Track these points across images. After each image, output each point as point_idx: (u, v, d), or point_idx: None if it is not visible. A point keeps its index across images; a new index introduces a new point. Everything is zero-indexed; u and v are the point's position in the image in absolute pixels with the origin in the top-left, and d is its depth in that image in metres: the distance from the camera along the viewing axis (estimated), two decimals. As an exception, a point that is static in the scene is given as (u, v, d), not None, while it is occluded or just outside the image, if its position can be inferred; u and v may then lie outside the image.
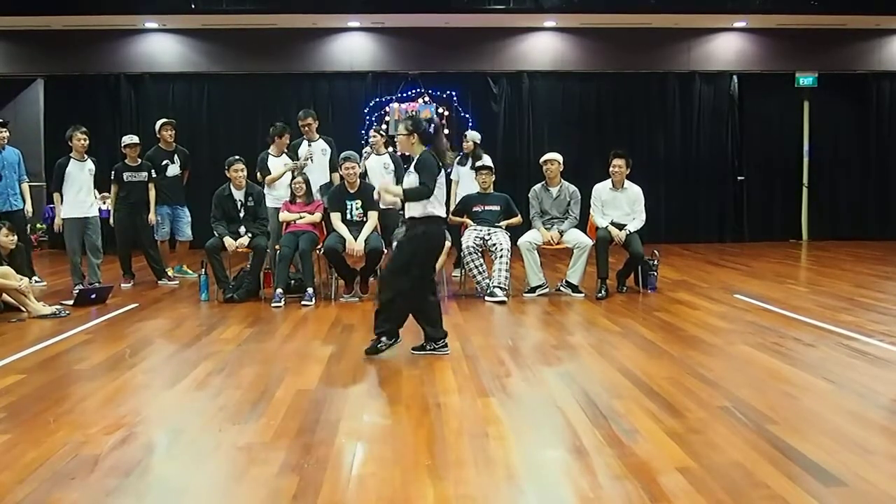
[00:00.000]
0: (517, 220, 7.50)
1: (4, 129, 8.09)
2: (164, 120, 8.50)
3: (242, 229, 7.21)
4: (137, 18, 11.28)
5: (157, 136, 8.45)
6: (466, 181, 8.10)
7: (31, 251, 8.60)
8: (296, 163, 7.73)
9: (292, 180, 7.39)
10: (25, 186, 8.18)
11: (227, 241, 7.11)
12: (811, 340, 5.30)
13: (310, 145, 7.96)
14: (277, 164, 7.87)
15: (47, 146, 11.41)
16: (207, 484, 3.04)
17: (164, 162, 8.32)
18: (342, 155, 7.33)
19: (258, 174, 7.86)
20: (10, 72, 11.77)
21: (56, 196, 7.57)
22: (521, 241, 7.31)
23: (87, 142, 7.65)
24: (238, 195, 7.32)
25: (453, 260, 8.05)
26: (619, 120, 12.24)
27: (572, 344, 5.32)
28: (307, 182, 7.42)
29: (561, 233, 7.31)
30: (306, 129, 7.99)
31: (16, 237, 6.91)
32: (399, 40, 11.87)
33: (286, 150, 7.95)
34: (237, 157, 7.40)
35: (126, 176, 8.05)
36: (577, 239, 7.25)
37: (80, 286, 7.34)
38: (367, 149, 8.27)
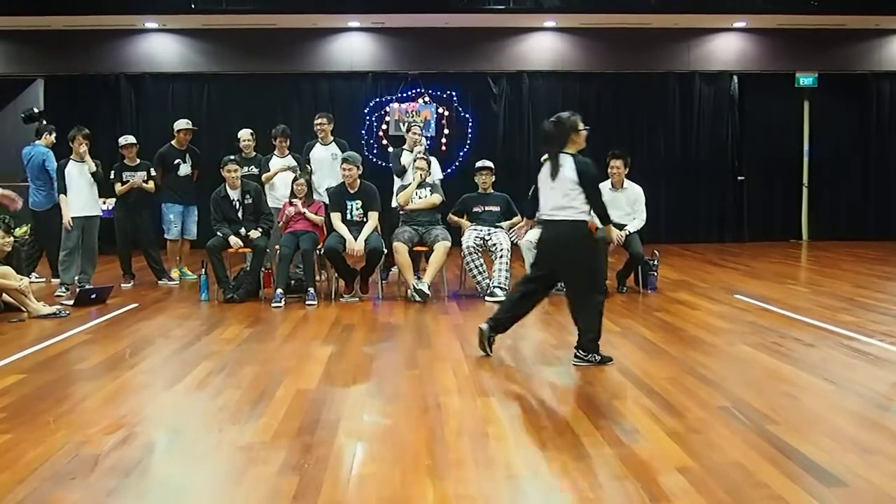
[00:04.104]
0: (517, 220, 7.48)
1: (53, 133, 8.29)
2: (188, 126, 8.37)
3: (243, 230, 7.17)
4: (137, 18, 11.28)
5: (174, 134, 8.41)
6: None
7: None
8: (295, 166, 7.70)
9: (294, 181, 7.37)
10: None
11: (233, 239, 7.07)
12: (811, 340, 5.30)
13: (311, 150, 7.95)
14: (280, 165, 7.85)
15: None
16: (207, 484, 3.04)
17: (176, 161, 8.29)
18: (342, 156, 7.33)
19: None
20: (10, 72, 11.76)
21: (62, 197, 7.54)
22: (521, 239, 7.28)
23: (88, 145, 7.65)
24: (234, 195, 7.28)
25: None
26: (619, 120, 12.22)
27: (572, 344, 5.29)
28: (309, 183, 7.43)
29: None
30: (319, 130, 7.92)
31: (12, 239, 6.94)
32: (399, 40, 11.87)
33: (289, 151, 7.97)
34: (231, 156, 7.37)
35: (125, 176, 8.04)
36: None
37: (81, 286, 7.34)
38: (406, 145, 8.05)
